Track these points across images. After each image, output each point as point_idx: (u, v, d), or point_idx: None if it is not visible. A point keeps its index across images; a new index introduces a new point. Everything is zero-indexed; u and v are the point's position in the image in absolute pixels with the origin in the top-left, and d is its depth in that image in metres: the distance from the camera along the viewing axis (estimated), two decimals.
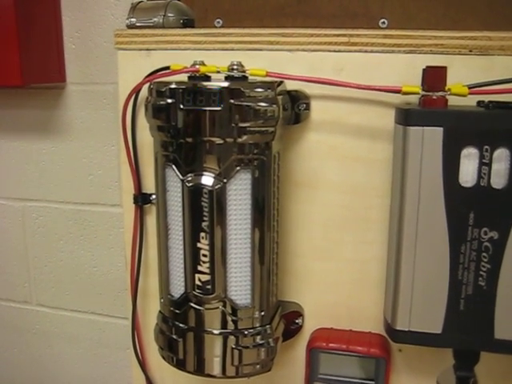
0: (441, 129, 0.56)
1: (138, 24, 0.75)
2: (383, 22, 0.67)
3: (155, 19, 0.75)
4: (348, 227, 0.69)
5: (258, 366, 0.66)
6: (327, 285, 0.72)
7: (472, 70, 0.63)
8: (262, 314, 0.65)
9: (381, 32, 0.65)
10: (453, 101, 0.61)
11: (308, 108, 0.67)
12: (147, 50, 0.72)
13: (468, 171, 0.57)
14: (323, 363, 0.70)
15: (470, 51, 0.64)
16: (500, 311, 0.60)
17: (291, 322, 0.72)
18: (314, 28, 0.66)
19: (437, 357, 0.68)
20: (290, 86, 0.65)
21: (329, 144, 0.68)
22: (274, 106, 0.59)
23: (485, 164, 0.56)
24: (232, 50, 0.68)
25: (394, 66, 0.65)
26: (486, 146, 0.56)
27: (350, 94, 0.65)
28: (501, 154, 0.56)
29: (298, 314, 0.73)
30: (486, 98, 0.61)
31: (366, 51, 0.65)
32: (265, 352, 0.65)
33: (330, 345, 0.69)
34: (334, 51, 0.66)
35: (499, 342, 0.60)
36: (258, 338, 0.65)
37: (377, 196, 0.66)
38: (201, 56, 0.65)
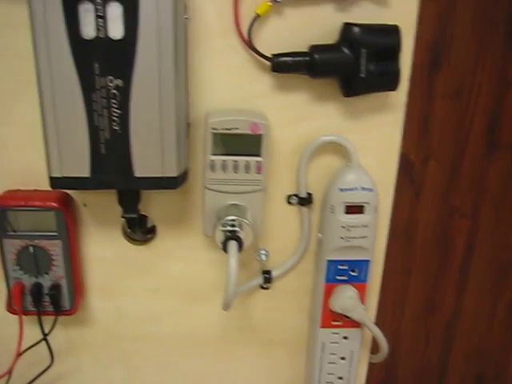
0: None
1: None
2: None
3: None
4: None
5: None
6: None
7: None
8: None
9: None
10: None
11: None
12: None
13: (87, 24, 0.63)
14: (12, 221, 0.76)
15: None
16: (135, 152, 0.68)
17: None
18: None
19: (115, 209, 0.76)
20: None
21: None
22: None
23: (100, 17, 0.63)
24: None
25: None
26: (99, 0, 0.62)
27: None
28: (113, 6, 0.62)
29: None
30: None
31: None
32: None
33: (10, 202, 0.75)
34: None
35: (139, 179, 0.69)
36: None
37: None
38: None
